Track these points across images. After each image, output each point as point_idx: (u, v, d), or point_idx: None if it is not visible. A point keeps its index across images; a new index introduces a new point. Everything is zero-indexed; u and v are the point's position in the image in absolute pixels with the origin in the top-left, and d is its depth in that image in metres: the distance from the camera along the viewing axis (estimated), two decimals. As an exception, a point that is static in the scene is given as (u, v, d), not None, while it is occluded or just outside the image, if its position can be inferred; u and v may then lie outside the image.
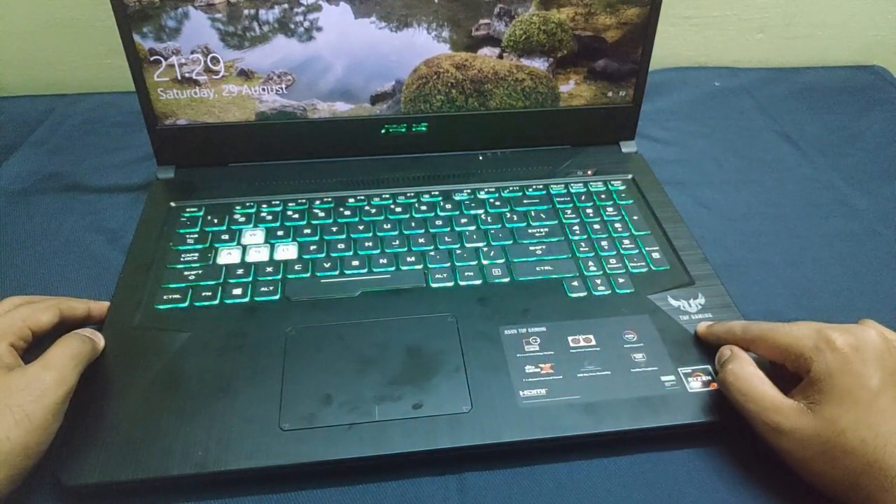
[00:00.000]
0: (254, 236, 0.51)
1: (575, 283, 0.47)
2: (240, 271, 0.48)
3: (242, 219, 0.52)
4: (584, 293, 0.47)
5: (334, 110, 0.56)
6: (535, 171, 0.58)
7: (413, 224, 0.52)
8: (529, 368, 0.41)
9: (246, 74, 0.54)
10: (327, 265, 0.48)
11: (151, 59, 0.52)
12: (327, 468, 0.37)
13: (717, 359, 0.41)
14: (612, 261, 0.49)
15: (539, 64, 0.56)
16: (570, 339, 0.43)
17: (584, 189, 0.56)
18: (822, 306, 0.49)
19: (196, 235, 0.51)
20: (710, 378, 0.41)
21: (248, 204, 0.54)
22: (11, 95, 0.72)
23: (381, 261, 0.49)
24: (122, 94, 0.69)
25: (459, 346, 0.42)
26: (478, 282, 0.48)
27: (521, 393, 0.40)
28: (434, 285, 0.47)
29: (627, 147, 0.61)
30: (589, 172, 0.58)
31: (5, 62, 0.72)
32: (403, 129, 0.58)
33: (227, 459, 0.36)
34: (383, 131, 0.58)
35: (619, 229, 0.52)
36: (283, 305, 0.45)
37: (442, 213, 0.53)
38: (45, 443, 0.34)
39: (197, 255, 0.49)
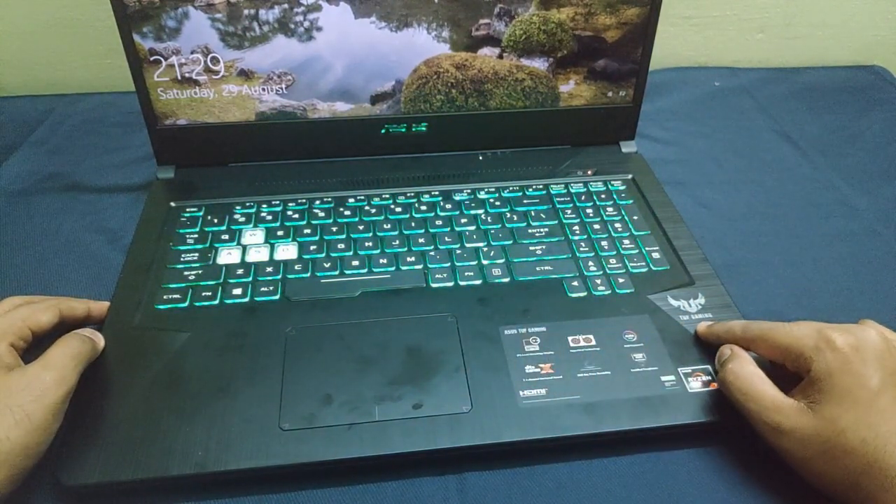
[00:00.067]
0: (254, 236, 0.51)
1: (575, 283, 0.47)
2: (240, 271, 0.48)
3: (242, 219, 0.52)
4: (584, 293, 0.47)
5: (334, 110, 0.56)
6: (535, 171, 0.58)
7: (413, 224, 0.52)
8: (529, 368, 0.41)
9: (246, 74, 0.54)
10: (327, 265, 0.48)
11: (151, 59, 0.52)
12: (327, 468, 0.37)
13: (717, 358, 0.41)
14: (612, 261, 0.49)
15: (539, 64, 0.56)
16: (570, 339, 0.43)
17: (584, 189, 0.56)
18: (822, 306, 0.49)
19: (196, 235, 0.51)
20: (710, 378, 0.41)
21: (248, 204, 0.54)
22: (11, 95, 0.72)
23: (381, 261, 0.49)
24: (122, 94, 0.69)
25: (459, 346, 0.42)
26: (478, 282, 0.48)
27: (521, 393, 0.40)
28: (434, 285, 0.47)
29: (627, 147, 0.61)
30: (589, 172, 0.58)
31: (5, 62, 0.72)
32: (403, 129, 0.58)
33: (227, 459, 0.36)
34: (383, 131, 0.58)
35: (619, 229, 0.52)
36: (283, 305, 0.45)
37: (442, 213, 0.53)
38: (45, 443, 0.34)
39: (197, 255, 0.49)
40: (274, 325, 0.44)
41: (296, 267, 0.48)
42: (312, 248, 0.50)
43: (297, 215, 0.53)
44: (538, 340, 0.43)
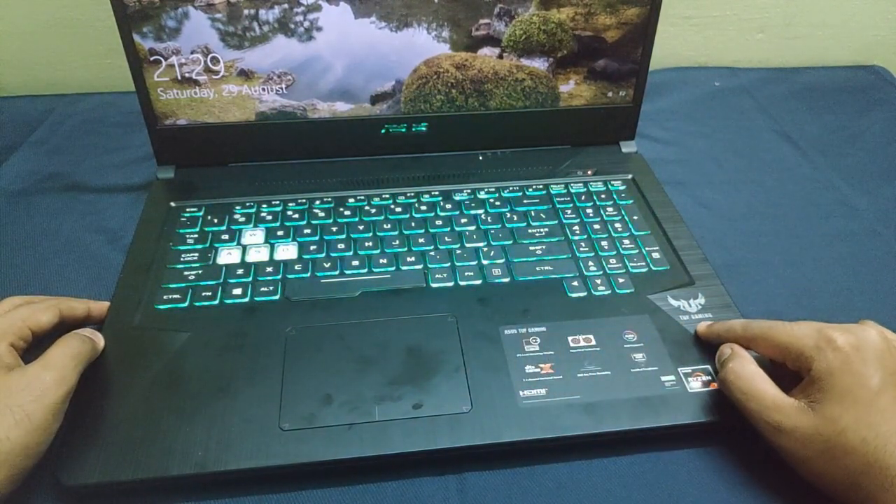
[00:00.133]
0: (254, 236, 0.51)
1: (575, 283, 0.47)
2: (240, 271, 0.48)
3: (242, 219, 0.52)
4: (584, 293, 0.47)
5: (334, 110, 0.56)
6: (535, 171, 0.58)
7: (413, 224, 0.52)
8: (529, 368, 0.41)
9: (246, 74, 0.54)
10: (327, 265, 0.48)
11: (151, 59, 0.52)
12: (327, 468, 0.37)
13: (717, 357, 0.41)
14: (612, 261, 0.49)
15: (539, 64, 0.56)
16: (570, 339, 0.43)
17: (584, 189, 0.56)
18: (822, 306, 0.49)
19: (196, 235, 0.51)
20: (710, 378, 0.41)
21: (248, 204, 0.54)
22: (11, 95, 0.72)
23: (381, 261, 0.49)
24: (122, 94, 0.69)
25: (459, 346, 0.42)
26: (478, 282, 0.47)
27: (521, 393, 0.40)
28: (434, 285, 0.47)
29: (627, 147, 0.61)
30: (589, 172, 0.58)
31: (5, 62, 0.72)
32: (403, 129, 0.58)
33: (227, 459, 0.36)
34: (383, 131, 0.58)
35: (619, 229, 0.52)
36: (283, 305, 0.45)
37: (442, 213, 0.53)
38: (45, 443, 0.34)
39: (197, 255, 0.49)
40: (274, 325, 0.44)
41: (296, 267, 0.48)
42: (312, 248, 0.50)
43: (297, 215, 0.53)
44: (538, 340, 0.43)
